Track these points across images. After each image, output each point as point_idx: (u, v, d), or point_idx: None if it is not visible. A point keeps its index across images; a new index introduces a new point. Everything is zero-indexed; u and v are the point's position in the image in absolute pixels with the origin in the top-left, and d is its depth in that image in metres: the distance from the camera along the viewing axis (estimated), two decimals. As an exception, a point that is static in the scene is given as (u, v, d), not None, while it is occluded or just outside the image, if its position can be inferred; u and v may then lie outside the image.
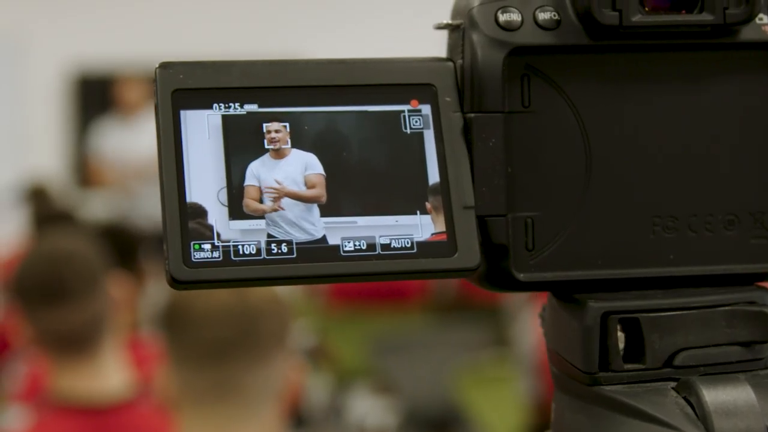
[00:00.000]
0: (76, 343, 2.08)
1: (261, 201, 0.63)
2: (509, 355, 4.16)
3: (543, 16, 0.66)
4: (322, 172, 0.64)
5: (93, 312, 2.09)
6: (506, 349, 4.34)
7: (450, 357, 4.25)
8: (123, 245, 2.93)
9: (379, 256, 0.64)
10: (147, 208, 6.64)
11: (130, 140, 6.77)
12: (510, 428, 3.54)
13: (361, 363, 4.63)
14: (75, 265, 2.10)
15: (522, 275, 0.66)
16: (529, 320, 3.45)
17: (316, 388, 4.68)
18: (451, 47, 0.69)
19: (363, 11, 8.00)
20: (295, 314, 1.75)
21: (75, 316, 2.08)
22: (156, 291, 4.84)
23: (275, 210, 0.63)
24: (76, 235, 2.22)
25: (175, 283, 0.61)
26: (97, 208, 6.40)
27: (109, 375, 2.12)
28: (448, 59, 0.68)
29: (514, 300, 4.42)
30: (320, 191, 0.64)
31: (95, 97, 7.61)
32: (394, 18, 7.99)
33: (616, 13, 0.65)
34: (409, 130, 0.66)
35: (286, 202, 0.63)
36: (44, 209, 4.34)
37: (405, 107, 0.66)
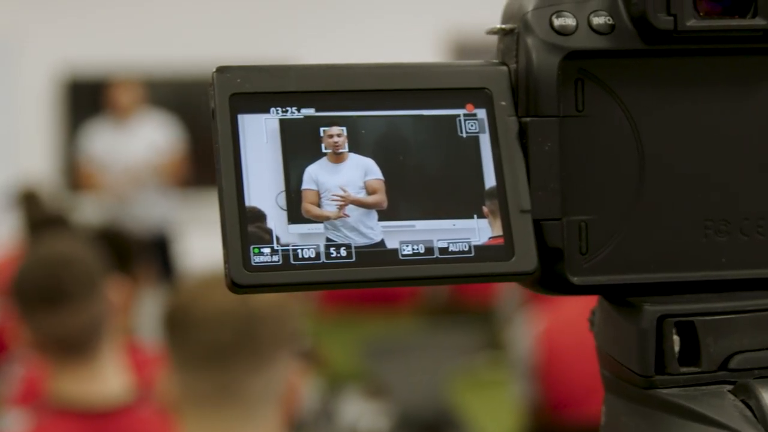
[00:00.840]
0: (74, 346, 2.08)
1: (319, 205, 0.63)
2: (503, 358, 4.16)
3: (597, 20, 0.66)
4: (382, 177, 0.64)
5: (91, 316, 2.09)
6: (500, 352, 4.34)
7: (443, 360, 4.25)
8: (119, 249, 2.92)
9: (437, 260, 0.64)
10: (138, 213, 6.64)
11: (123, 144, 6.76)
12: (504, 432, 3.55)
13: (353, 367, 4.63)
14: (73, 268, 2.09)
15: (576, 279, 0.67)
16: (523, 323, 3.45)
17: (308, 392, 4.68)
18: (504, 51, 0.69)
19: (357, 15, 7.99)
20: (297, 317, 1.74)
21: (74, 319, 2.07)
22: (150, 295, 4.83)
23: (339, 217, 0.63)
24: (74, 239, 2.21)
25: (235, 287, 0.61)
26: (88, 212, 6.38)
27: (107, 379, 2.12)
28: (502, 63, 0.68)
29: (507, 303, 4.42)
30: (381, 197, 0.64)
31: (86, 100, 7.60)
32: (388, 21, 7.99)
33: (671, 18, 0.66)
34: (464, 135, 0.66)
35: (350, 206, 0.64)
36: (36, 213, 4.33)
37: (461, 111, 0.66)
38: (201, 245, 7.56)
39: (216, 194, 0.63)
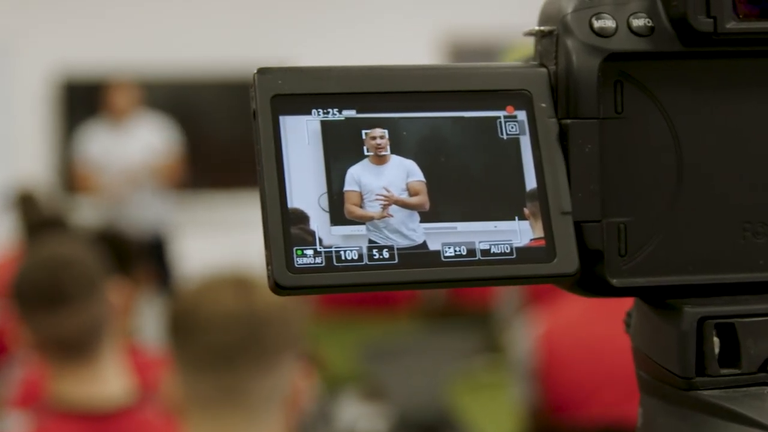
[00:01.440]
0: (75, 348, 2.07)
1: (362, 206, 0.64)
2: (502, 361, 4.16)
3: (637, 22, 0.67)
4: (423, 178, 0.65)
5: (92, 317, 2.09)
6: (498, 355, 4.34)
7: (441, 363, 4.25)
8: (118, 251, 2.92)
9: (479, 262, 0.64)
10: (135, 215, 6.64)
11: (119, 145, 6.75)
12: (503, 434, 3.54)
13: (352, 369, 4.63)
14: (74, 270, 2.09)
15: (615, 280, 0.67)
16: (522, 326, 3.45)
17: (307, 395, 4.66)
18: (542, 53, 0.69)
19: (354, 16, 7.99)
20: (301, 320, 1.74)
21: (73, 321, 2.07)
22: (149, 297, 4.81)
23: (383, 217, 0.63)
24: (73, 241, 2.21)
25: (279, 289, 0.61)
26: (85, 214, 6.37)
27: (108, 380, 2.11)
28: (541, 65, 0.68)
29: (506, 306, 4.42)
30: (424, 198, 0.64)
31: (82, 102, 7.59)
32: (385, 22, 7.99)
33: (711, 20, 0.66)
34: (505, 136, 0.66)
35: (392, 207, 0.64)
36: (33, 215, 4.32)
37: (501, 113, 0.66)
38: (197, 248, 7.56)
39: (257, 196, 0.63)
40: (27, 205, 5.13)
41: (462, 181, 0.65)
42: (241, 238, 7.83)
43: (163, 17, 7.82)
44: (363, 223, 0.63)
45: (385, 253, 0.63)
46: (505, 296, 4.49)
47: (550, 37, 0.68)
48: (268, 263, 0.62)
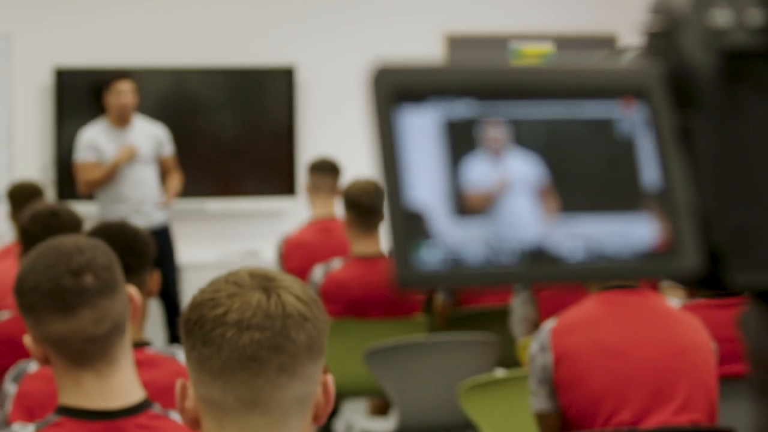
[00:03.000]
0: (92, 349, 2.04)
1: (483, 203, 0.64)
2: (516, 366, 4.11)
3: (752, 18, 0.67)
4: (545, 175, 0.65)
5: (112, 318, 2.05)
6: (514, 361, 4.29)
7: (453, 370, 4.19)
8: (133, 249, 2.87)
9: (602, 259, 0.64)
10: (134, 216, 6.62)
11: (122, 144, 6.72)
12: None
13: (358, 376, 4.56)
14: (95, 269, 2.05)
15: (736, 277, 0.66)
16: (535, 333, 3.40)
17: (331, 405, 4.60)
18: (657, 50, 0.69)
19: (353, 15, 7.95)
20: (328, 327, 1.68)
21: (93, 320, 2.03)
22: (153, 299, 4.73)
23: (503, 212, 0.64)
24: (92, 240, 2.16)
25: (401, 286, 0.62)
26: (83, 213, 6.29)
27: (124, 383, 2.08)
28: (657, 62, 0.68)
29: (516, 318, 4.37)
30: (545, 195, 0.65)
31: (77, 100, 7.53)
32: (385, 23, 7.95)
33: None
34: (624, 134, 0.66)
35: (513, 204, 0.64)
36: (32, 212, 4.26)
37: (619, 111, 0.67)
38: (194, 251, 7.52)
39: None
40: (22, 200, 5.11)
41: (583, 178, 0.65)
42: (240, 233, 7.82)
43: (163, 17, 7.78)
44: (484, 219, 0.63)
45: (507, 250, 0.63)
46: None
47: (665, 33, 0.68)
48: (390, 260, 0.62)
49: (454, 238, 0.62)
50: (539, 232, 0.64)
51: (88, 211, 6.13)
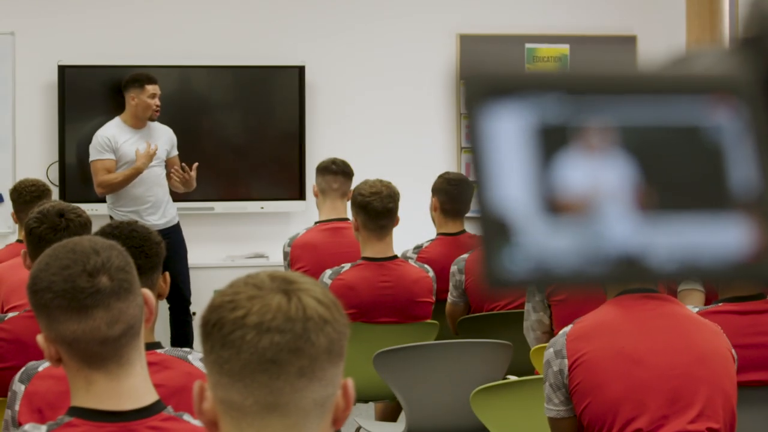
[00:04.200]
0: (105, 350, 2.02)
1: (576, 203, 0.63)
2: (530, 374, 4.07)
3: None
4: (637, 178, 0.64)
5: (126, 320, 2.03)
6: (526, 368, 4.25)
7: (463, 375, 4.15)
8: (144, 249, 2.83)
9: (695, 261, 0.63)
10: (149, 217, 6.62)
11: (142, 145, 6.70)
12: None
13: (367, 380, 4.51)
14: (111, 270, 2.04)
15: None
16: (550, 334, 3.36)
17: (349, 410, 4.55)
18: (749, 57, 0.67)
19: (364, 17, 7.92)
20: (348, 331, 1.65)
21: (108, 323, 2.02)
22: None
23: (598, 213, 0.63)
24: (108, 241, 2.13)
25: (493, 285, 0.61)
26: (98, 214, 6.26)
27: (136, 385, 2.06)
28: (749, 68, 0.67)
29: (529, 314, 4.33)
30: (639, 197, 0.64)
31: (83, 98, 7.51)
32: (398, 23, 7.92)
33: None
34: (717, 139, 0.65)
35: (608, 206, 0.63)
36: (43, 212, 4.23)
37: (711, 116, 0.65)
38: (200, 253, 7.49)
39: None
40: (27, 199, 5.10)
41: (675, 180, 0.64)
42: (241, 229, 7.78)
43: (169, 15, 7.74)
44: (577, 219, 0.62)
45: (598, 250, 0.62)
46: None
47: (758, 39, 0.67)
48: (483, 259, 0.62)
49: (547, 236, 0.62)
50: (632, 231, 0.62)
51: (93, 212, 6.08)
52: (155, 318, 2.90)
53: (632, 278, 0.63)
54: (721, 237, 0.63)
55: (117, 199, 6.75)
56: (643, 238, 0.63)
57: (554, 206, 0.62)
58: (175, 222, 6.91)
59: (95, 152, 6.72)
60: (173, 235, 6.74)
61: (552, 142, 0.64)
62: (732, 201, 0.64)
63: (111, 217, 6.65)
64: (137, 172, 6.61)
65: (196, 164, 6.82)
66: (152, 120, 6.74)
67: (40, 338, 2.07)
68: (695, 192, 0.64)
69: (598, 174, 0.63)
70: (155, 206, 6.78)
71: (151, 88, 6.69)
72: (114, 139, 6.70)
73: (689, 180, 0.65)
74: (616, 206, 0.63)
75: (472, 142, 0.63)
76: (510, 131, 0.63)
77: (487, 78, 0.64)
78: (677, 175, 0.65)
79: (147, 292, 2.17)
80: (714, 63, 0.67)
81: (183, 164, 6.75)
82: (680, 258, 0.63)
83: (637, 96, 0.65)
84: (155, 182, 6.74)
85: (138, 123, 6.72)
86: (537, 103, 0.64)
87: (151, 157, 6.58)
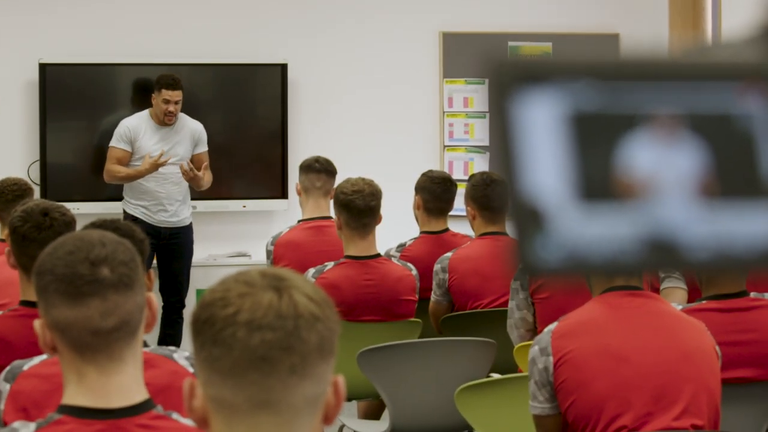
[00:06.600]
0: (95, 341, 2.02)
1: (611, 189, 0.61)
2: (514, 371, 4.07)
3: None
4: (697, 167, 0.63)
5: (121, 314, 2.03)
6: (510, 366, 4.25)
7: (447, 373, 4.15)
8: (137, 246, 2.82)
9: (728, 249, 0.62)
10: (163, 215, 6.64)
11: (169, 144, 6.70)
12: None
13: (350, 378, 4.50)
14: (113, 262, 2.04)
15: None
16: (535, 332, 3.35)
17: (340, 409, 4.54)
18: None
19: (347, 14, 7.91)
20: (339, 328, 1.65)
21: (101, 314, 2.02)
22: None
23: (643, 202, 0.62)
24: (117, 237, 2.14)
25: (527, 270, 0.61)
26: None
27: (127, 382, 2.06)
28: None
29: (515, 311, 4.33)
30: (696, 186, 0.63)
31: (65, 95, 7.47)
32: (381, 21, 7.91)
33: None
34: (748, 126, 0.64)
35: (648, 192, 0.63)
36: (26, 210, 4.20)
37: (741, 103, 0.64)
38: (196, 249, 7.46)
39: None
40: (9, 198, 5.07)
41: (727, 172, 0.63)
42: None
43: (153, 12, 7.71)
44: (621, 207, 0.61)
45: (639, 236, 0.61)
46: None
47: None
48: (518, 246, 0.62)
49: (585, 223, 0.61)
50: (680, 219, 0.61)
51: (75, 211, 6.06)
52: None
53: (666, 266, 0.62)
54: (754, 225, 0.62)
55: (129, 191, 6.80)
56: (677, 222, 0.62)
57: (589, 192, 0.61)
58: (187, 223, 6.91)
59: (114, 139, 6.78)
60: (182, 236, 6.80)
61: (587, 129, 0.63)
62: (764, 189, 0.63)
63: (125, 211, 6.72)
64: (139, 175, 6.64)
65: (206, 164, 6.81)
66: (166, 125, 6.72)
67: (37, 323, 2.08)
68: (727, 180, 0.63)
69: (636, 159, 0.63)
70: (165, 203, 6.77)
71: (167, 93, 6.66)
72: (134, 130, 6.72)
73: (721, 168, 0.64)
74: (670, 194, 0.63)
75: (501, 130, 0.62)
76: (543, 118, 0.62)
77: (519, 64, 0.64)
78: (709, 163, 0.64)
79: (152, 297, 2.17)
80: (740, 51, 0.67)
81: (189, 163, 6.74)
82: (714, 246, 0.62)
83: (668, 83, 0.64)
84: (168, 179, 6.73)
85: (160, 120, 6.72)
86: (569, 89, 0.63)
87: (156, 166, 6.57)
